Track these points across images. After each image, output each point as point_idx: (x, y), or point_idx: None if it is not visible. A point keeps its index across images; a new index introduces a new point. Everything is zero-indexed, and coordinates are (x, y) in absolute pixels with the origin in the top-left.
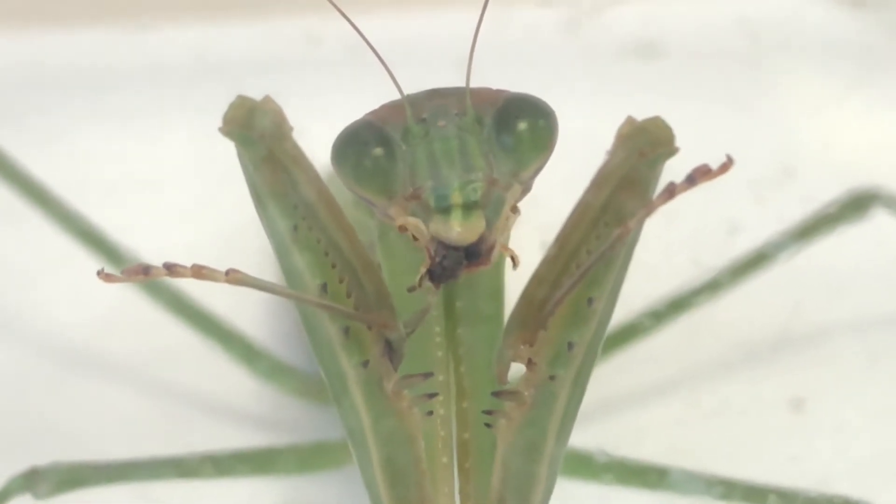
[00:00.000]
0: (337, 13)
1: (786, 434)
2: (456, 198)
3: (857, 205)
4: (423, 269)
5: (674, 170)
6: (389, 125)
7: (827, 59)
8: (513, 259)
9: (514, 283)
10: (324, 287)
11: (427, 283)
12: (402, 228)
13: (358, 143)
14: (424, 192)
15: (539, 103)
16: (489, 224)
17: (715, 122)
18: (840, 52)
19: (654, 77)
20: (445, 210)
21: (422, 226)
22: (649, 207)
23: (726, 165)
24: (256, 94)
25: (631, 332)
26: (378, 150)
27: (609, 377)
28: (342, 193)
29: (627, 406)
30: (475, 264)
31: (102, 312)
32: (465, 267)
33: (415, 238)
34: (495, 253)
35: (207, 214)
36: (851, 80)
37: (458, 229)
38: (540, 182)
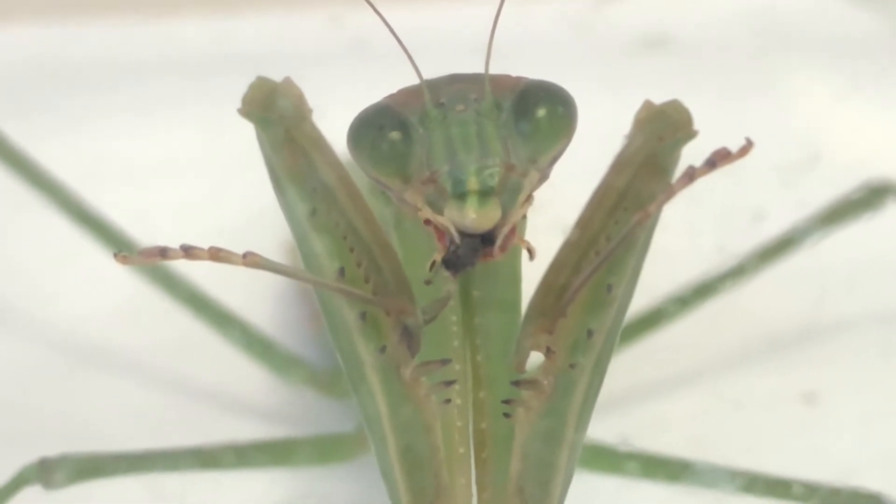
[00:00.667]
0: (354, 2)
1: (807, 426)
2: (472, 183)
3: (871, 196)
4: (436, 257)
5: (694, 158)
6: (407, 108)
7: (849, 49)
8: (529, 251)
9: (532, 271)
10: (341, 271)
11: (442, 272)
12: (427, 222)
13: (375, 126)
14: (441, 175)
15: (558, 90)
16: (505, 210)
17: (735, 111)
18: (863, 41)
19: (672, 68)
20: (461, 196)
21: (436, 213)
22: (669, 192)
23: (746, 148)
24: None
25: (655, 318)
26: (395, 133)
27: (631, 366)
28: (359, 181)
29: (649, 396)
30: (490, 254)
31: (115, 304)
32: (480, 255)
33: (437, 229)
34: (512, 242)
35: (222, 205)
36: (872, 70)
37: (474, 216)
38: (556, 172)
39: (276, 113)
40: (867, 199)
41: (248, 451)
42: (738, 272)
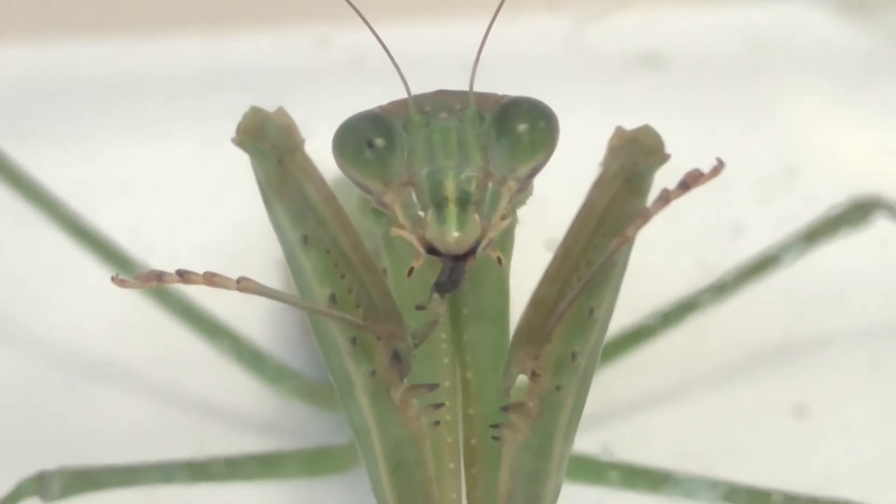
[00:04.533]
0: (345, 21)
1: (790, 437)
2: (450, 188)
3: (859, 211)
4: (415, 263)
5: (675, 173)
6: (392, 115)
7: (830, 66)
8: (499, 260)
9: (519, 287)
10: (332, 297)
11: (434, 296)
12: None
13: (360, 130)
14: (420, 178)
15: (541, 105)
16: (483, 219)
17: (719, 128)
18: (843, 58)
19: (658, 85)
20: (439, 204)
21: (414, 234)
22: (645, 216)
23: (717, 169)
24: (266, 100)
25: (637, 334)
26: (379, 136)
27: (615, 380)
28: (349, 203)
29: (633, 409)
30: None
31: (110, 317)
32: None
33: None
34: (482, 247)
35: (217, 219)
36: (853, 87)
37: (455, 236)
38: (545, 187)
39: (268, 143)
40: (854, 213)
41: (240, 464)
42: (719, 288)
